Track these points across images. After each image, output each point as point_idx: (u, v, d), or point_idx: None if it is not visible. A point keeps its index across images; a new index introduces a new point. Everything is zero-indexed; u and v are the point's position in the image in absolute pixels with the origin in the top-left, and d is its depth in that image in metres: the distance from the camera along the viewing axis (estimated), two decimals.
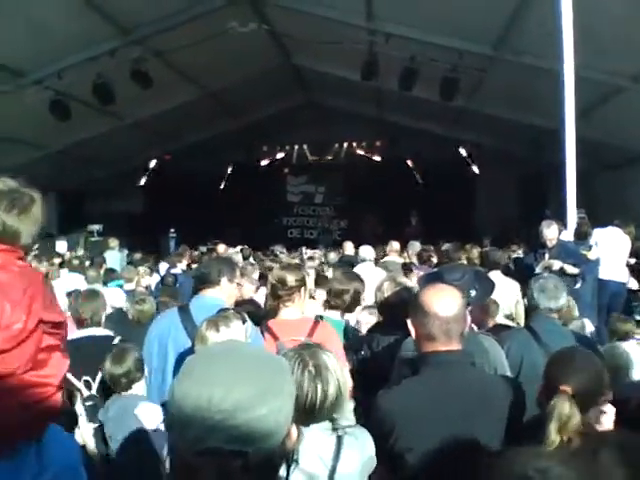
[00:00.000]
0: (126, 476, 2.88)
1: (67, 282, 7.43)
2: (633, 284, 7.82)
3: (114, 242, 11.93)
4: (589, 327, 4.52)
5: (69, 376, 3.19)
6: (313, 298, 4.66)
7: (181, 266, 9.41)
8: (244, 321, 2.71)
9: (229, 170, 18.94)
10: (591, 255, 7.24)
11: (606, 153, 11.44)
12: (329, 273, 6.89)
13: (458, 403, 2.09)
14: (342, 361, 2.91)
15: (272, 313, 3.38)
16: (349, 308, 4.08)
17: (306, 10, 9.45)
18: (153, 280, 8.38)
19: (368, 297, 4.30)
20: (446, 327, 2.14)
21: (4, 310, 1.56)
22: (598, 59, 7.86)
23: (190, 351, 2.79)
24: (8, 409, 1.54)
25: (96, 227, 14.50)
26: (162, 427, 2.92)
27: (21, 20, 8.08)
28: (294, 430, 1.06)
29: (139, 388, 3.21)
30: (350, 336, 3.86)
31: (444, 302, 2.16)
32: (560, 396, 1.92)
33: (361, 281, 4.12)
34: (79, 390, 3.31)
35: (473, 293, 2.81)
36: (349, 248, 9.38)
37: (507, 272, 6.19)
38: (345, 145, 18.17)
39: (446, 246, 8.23)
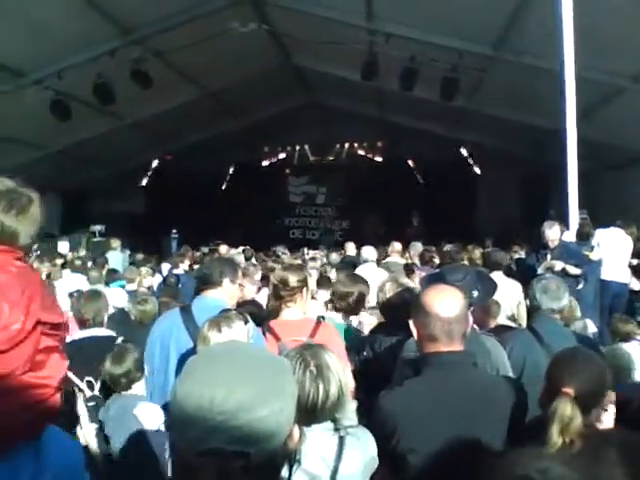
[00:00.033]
0: (125, 476, 2.89)
1: (69, 283, 7.43)
2: (635, 285, 7.81)
3: (116, 242, 11.94)
4: (591, 328, 4.51)
5: (72, 376, 3.20)
6: (314, 299, 4.66)
7: (183, 267, 9.42)
8: (246, 322, 2.71)
9: (231, 170, 18.97)
10: (593, 256, 7.23)
11: (608, 154, 11.43)
12: (332, 274, 6.90)
13: (460, 404, 2.09)
14: (344, 361, 2.91)
15: (274, 313, 3.38)
16: (354, 311, 4.07)
17: (306, 10, 9.46)
18: (155, 281, 8.38)
19: (370, 298, 4.29)
20: (448, 328, 2.13)
21: (2, 311, 1.56)
22: (599, 59, 7.86)
23: (192, 352, 2.79)
24: (6, 410, 1.54)
25: (98, 228, 14.50)
26: (162, 427, 2.93)
27: (21, 20, 8.09)
28: (296, 430, 1.06)
29: (139, 388, 3.22)
30: (352, 337, 3.85)
31: (446, 303, 2.16)
32: (562, 398, 1.91)
33: (365, 284, 4.11)
34: (82, 390, 3.31)
35: (475, 294, 2.81)
36: (351, 249, 9.38)
37: (509, 273, 6.18)
38: (346, 145, 18.20)
39: (448, 247, 8.24)
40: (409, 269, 6.94)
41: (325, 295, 5.10)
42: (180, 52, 9.92)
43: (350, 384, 2.61)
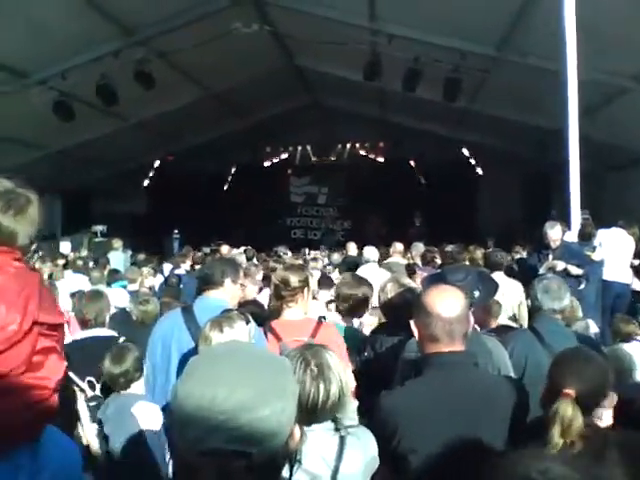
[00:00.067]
0: (124, 474, 2.90)
1: (71, 283, 7.44)
2: (637, 285, 7.80)
3: (118, 243, 11.94)
4: (593, 328, 4.50)
5: (73, 376, 3.21)
6: (315, 299, 4.65)
7: (185, 267, 9.43)
8: (248, 322, 2.71)
9: (232, 171, 18.98)
10: (595, 256, 7.23)
11: (610, 154, 11.42)
12: (334, 275, 6.89)
13: (461, 404, 2.09)
14: (345, 361, 2.91)
15: (275, 313, 3.38)
16: (357, 313, 4.06)
17: (309, 11, 9.46)
18: (157, 281, 8.39)
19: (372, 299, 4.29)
20: (449, 328, 2.13)
21: None
22: (602, 60, 7.85)
23: (193, 352, 2.80)
24: (3, 411, 1.54)
25: (100, 228, 14.52)
26: (160, 426, 2.93)
27: (21, 20, 8.09)
28: (297, 430, 1.07)
29: (138, 387, 3.23)
30: (352, 337, 3.85)
31: (447, 303, 2.16)
32: (563, 399, 1.91)
33: (369, 286, 4.09)
34: (83, 390, 3.32)
35: (476, 294, 2.81)
36: (352, 249, 9.38)
37: (510, 273, 6.17)
38: (348, 146, 18.21)
39: (450, 247, 8.23)
40: (411, 269, 6.93)
41: (326, 295, 5.10)
42: (183, 53, 9.94)
43: (351, 384, 2.61)
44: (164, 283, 8.06)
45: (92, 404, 3.23)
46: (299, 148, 18.46)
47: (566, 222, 6.86)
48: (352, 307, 3.98)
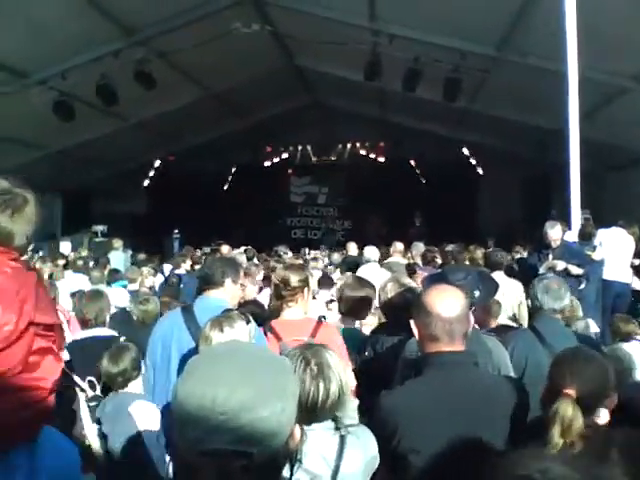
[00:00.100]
0: (123, 473, 2.90)
1: (71, 283, 7.44)
2: (637, 285, 7.80)
3: (118, 243, 11.94)
4: (593, 328, 4.51)
5: (73, 376, 3.21)
6: (315, 299, 4.65)
7: (185, 267, 9.42)
8: (248, 322, 2.71)
9: (233, 171, 18.98)
10: (595, 256, 7.23)
11: (610, 154, 11.42)
12: (335, 275, 6.90)
13: (461, 403, 2.09)
14: (345, 361, 2.91)
15: (275, 313, 3.38)
16: (360, 315, 4.05)
17: (309, 11, 9.46)
18: (157, 280, 8.39)
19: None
20: (449, 328, 2.13)
21: None
22: (602, 60, 7.85)
23: (194, 352, 2.80)
24: (0, 411, 1.54)
25: (100, 228, 14.53)
26: (158, 425, 2.93)
27: (21, 20, 8.09)
28: (297, 430, 1.07)
29: (136, 386, 3.23)
30: (352, 338, 3.85)
31: (447, 303, 2.16)
32: (563, 399, 1.91)
33: (372, 288, 4.05)
34: (83, 390, 3.32)
35: (477, 294, 2.81)
36: (353, 249, 9.38)
37: (511, 273, 6.17)
38: (348, 146, 18.21)
39: (450, 247, 8.23)
40: (411, 269, 6.93)
41: (326, 295, 5.11)
42: (183, 53, 9.93)
43: (351, 383, 2.61)
44: (164, 283, 8.07)
45: (93, 404, 3.23)
46: (299, 148, 18.45)
47: (566, 222, 6.86)
48: (354, 309, 3.98)
